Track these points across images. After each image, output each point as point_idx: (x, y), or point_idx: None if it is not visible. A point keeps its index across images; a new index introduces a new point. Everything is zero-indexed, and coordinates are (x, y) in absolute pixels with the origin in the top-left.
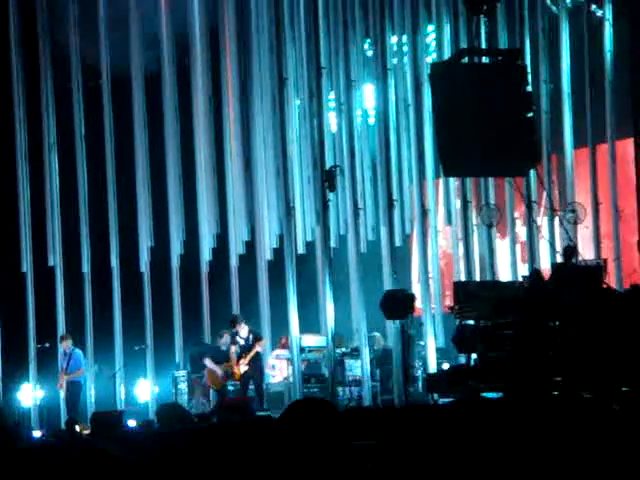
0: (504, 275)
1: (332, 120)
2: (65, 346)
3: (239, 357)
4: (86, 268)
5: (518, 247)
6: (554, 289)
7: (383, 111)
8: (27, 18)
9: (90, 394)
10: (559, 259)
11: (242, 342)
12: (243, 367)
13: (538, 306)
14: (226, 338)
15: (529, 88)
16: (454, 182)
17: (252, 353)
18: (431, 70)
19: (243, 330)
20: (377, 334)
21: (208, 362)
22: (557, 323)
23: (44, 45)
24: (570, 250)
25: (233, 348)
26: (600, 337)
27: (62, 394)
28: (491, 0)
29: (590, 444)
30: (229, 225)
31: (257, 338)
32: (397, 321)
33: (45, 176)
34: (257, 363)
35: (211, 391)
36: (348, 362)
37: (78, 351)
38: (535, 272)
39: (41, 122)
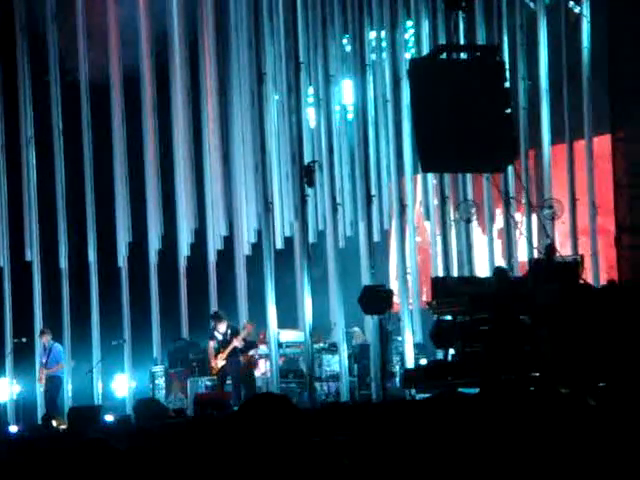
0: (482, 271)
1: (311, 115)
2: (45, 340)
3: (217, 352)
4: (63, 263)
5: (497, 242)
6: (528, 286)
7: (362, 107)
8: (4, 11)
9: (67, 389)
10: (537, 254)
11: (220, 337)
12: (220, 362)
13: (505, 303)
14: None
15: (507, 84)
16: (432, 178)
17: (230, 348)
18: (410, 66)
19: (222, 325)
20: (357, 329)
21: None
22: (533, 318)
23: (21, 38)
24: (550, 248)
25: (212, 343)
26: (577, 332)
27: (41, 388)
28: None
29: (567, 439)
30: (207, 220)
31: (235, 333)
32: (375, 316)
33: (22, 170)
34: (234, 358)
35: (188, 386)
36: (326, 357)
37: (58, 345)
38: (498, 270)
39: (18, 116)
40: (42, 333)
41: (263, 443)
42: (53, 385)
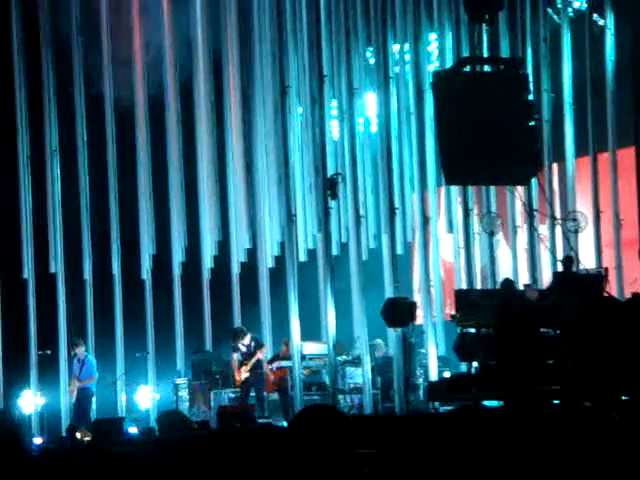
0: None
1: (334, 128)
2: (79, 352)
3: (241, 364)
4: (87, 275)
5: (521, 255)
6: (553, 298)
7: (385, 119)
8: (29, 25)
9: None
10: (560, 267)
11: (244, 349)
12: (244, 374)
13: (509, 315)
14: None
15: (531, 97)
16: (456, 190)
17: (253, 360)
18: (433, 78)
19: (245, 338)
20: (379, 341)
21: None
22: (557, 332)
23: (46, 51)
24: (569, 260)
25: (235, 355)
26: (600, 346)
27: (72, 400)
28: (493, 8)
29: (590, 453)
30: (231, 232)
31: (258, 345)
32: (398, 329)
33: (47, 183)
34: (258, 370)
35: (211, 398)
36: (349, 370)
37: (91, 358)
38: (505, 282)
39: (43, 128)
40: (75, 345)
41: (318, 455)
42: (84, 397)
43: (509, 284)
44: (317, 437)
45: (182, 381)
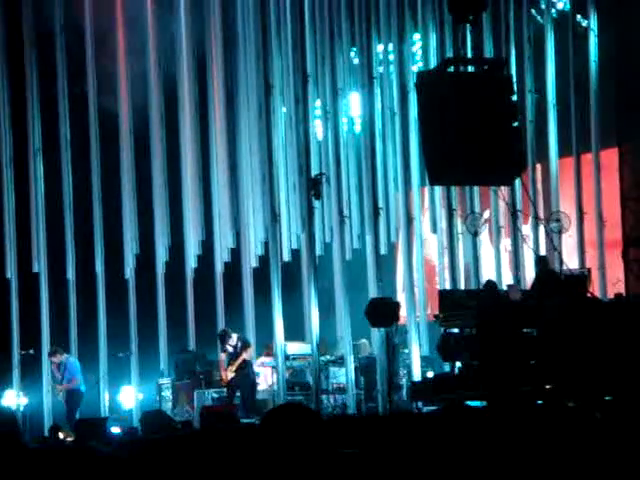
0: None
1: (318, 128)
2: (57, 360)
3: (228, 364)
4: (71, 274)
5: (504, 255)
6: (534, 299)
7: (369, 119)
8: (12, 23)
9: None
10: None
11: (231, 349)
12: (230, 374)
13: (491, 315)
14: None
15: (514, 97)
16: (439, 191)
17: (239, 361)
18: (417, 79)
19: (232, 338)
20: (364, 341)
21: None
22: (540, 332)
23: (29, 50)
24: (543, 261)
25: (222, 355)
26: (584, 346)
27: (62, 399)
28: (477, 9)
29: (573, 452)
30: (214, 232)
31: (244, 345)
32: (382, 329)
33: (30, 182)
34: (244, 371)
35: (195, 398)
36: (332, 370)
37: (73, 361)
38: (488, 283)
39: (26, 127)
40: (53, 353)
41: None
42: (72, 399)
43: (492, 285)
44: (288, 435)
45: (165, 381)
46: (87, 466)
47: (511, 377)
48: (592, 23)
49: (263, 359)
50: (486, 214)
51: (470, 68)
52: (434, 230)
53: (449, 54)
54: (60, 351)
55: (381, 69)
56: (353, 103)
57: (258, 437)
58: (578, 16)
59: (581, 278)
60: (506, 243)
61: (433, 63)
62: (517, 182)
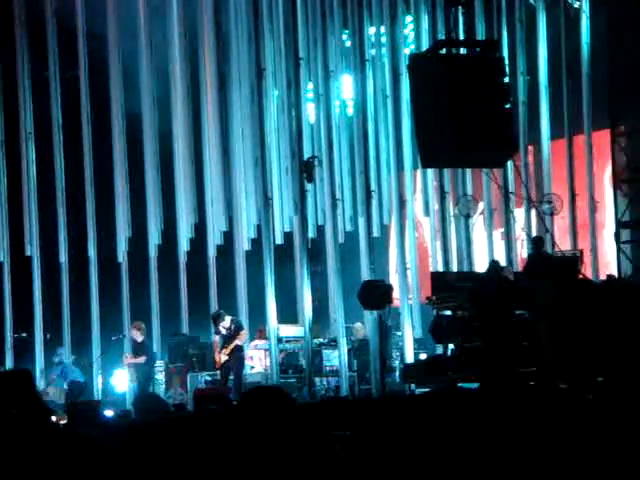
0: (482, 266)
1: (310, 111)
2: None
3: (222, 347)
4: (63, 258)
5: (497, 237)
6: (526, 281)
7: (361, 102)
8: (3, 7)
9: (65, 382)
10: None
11: (225, 332)
12: (224, 357)
13: (492, 297)
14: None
15: (507, 79)
16: (432, 173)
17: (232, 345)
18: (409, 61)
19: (226, 321)
20: (358, 324)
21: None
22: (532, 314)
23: (21, 34)
24: (538, 241)
25: (217, 338)
26: (576, 328)
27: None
28: None
29: (565, 433)
30: (207, 215)
31: (238, 329)
32: (374, 311)
33: (22, 165)
34: (237, 354)
35: (188, 381)
36: (325, 352)
37: (75, 369)
38: (493, 263)
39: (18, 111)
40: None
41: (262, 436)
42: (75, 388)
43: (496, 265)
44: (262, 418)
45: (158, 364)
46: (78, 452)
47: (507, 358)
48: (584, 4)
49: (256, 342)
50: (480, 206)
51: (462, 50)
52: (426, 213)
53: (441, 36)
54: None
55: (373, 51)
56: (345, 86)
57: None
58: None
59: (573, 260)
60: (500, 228)
61: (425, 45)
62: (509, 164)
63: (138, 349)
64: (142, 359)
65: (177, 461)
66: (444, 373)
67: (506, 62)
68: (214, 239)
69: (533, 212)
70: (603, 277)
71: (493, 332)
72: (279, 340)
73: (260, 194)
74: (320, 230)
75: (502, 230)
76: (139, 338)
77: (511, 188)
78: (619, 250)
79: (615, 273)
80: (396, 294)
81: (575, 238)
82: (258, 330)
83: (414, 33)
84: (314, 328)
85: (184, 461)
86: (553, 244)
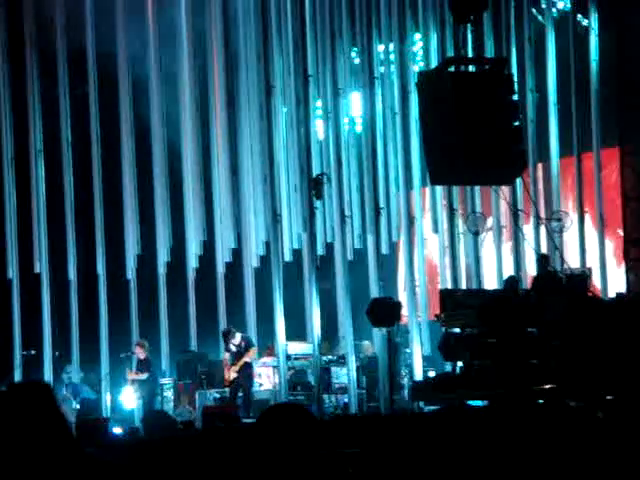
0: (491, 283)
1: (319, 128)
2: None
3: (231, 364)
4: (72, 275)
5: (506, 255)
6: (535, 299)
7: (370, 119)
8: (14, 24)
9: (75, 401)
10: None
11: (234, 349)
12: (233, 374)
13: (512, 314)
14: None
15: (515, 97)
16: (441, 190)
17: (241, 362)
18: (418, 78)
19: (236, 338)
20: (366, 342)
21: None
22: (541, 332)
23: (31, 52)
24: (545, 259)
25: (227, 355)
26: (585, 346)
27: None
28: (478, 9)
29: (576, 452)
30: (216, 232)
31: (248, 347)
32: (383, 329)
33: (31, 182)
34: (246, 371)
35: (196, 398)
36: (334, 370)
37: (87, 389)
38: (511, 279)
39: (27, 128)
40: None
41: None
42: (87, 406)
43: (513, 281)
44: (283, 436)
45: (167, 381)
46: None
47: (520, 376)
48: (593, 22)
49: (265, 359)
50: (489, 222)
51: (471, 68)
52: (435, 230)
53: (450, 54)
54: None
55: (382, 69)
56: (354, 103)
57: (253, 436)
58: (579, 15)
59: (582, 277)
60: (509, 245)
61: (434, 63)
62: (518, 182)
63: (142, 366)
64: (144, 375)
65: (185, 478)
66: (453, 391)
67: (515, 79)
68: (223, 256)
69: (542, 229)
70: (612, 295)
71: (504, 349)
72: (288, 357)
73: (269, 211)
74: (329, 247)
75: (511, 244)
76: (141, 355)
77: (520, 205)
78: (628, 267)
79: (624, 291)
80: (405, 311)
81: (584, 256)
82: (267, 347)
83: (423, 51)
84: (323, 345)
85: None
86: (562, 261)
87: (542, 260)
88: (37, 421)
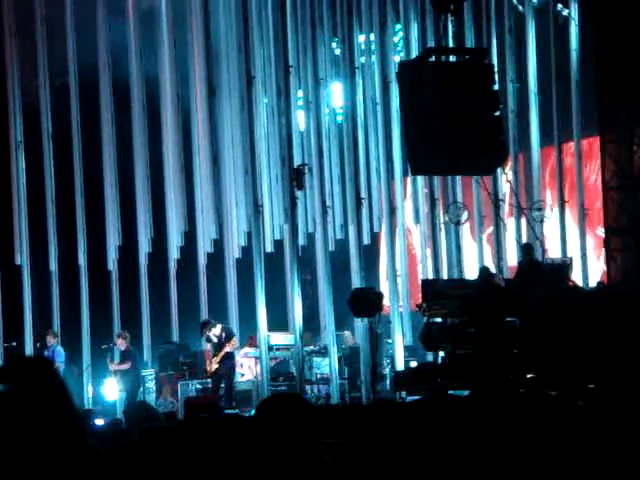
0: (472, 273)
1: (300, 118)
2: (49, 341)
3: (213, 355)
4: (53, 267)
5: (487, 245)
6: (519, 287)
7: (351, 110)
8: None
9: None
10: (519, 256)
11: (215, 340)
12: (214, 365)
13: (487, 304)
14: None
15: (496, 87)
16: (422, 180)
17: (222, 352)
18: (399, 69)
19: (216, 328)
20: (347, 332)
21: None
22: (522, 321)
23: (11, 43)
24: (528, 248)
25: (208, 346)
26: (566, 335)
27: None
28: None
29: (556, 441)
30: (197, 223)
31: (228, 337)
32: (365, 319)
33: (12, 174)
34: (227, 362)
35: (179, 389)
36: (316, 360)
37: (59, 349)
38: (483, 270)
39: (8, 120)
40: (49, 333)
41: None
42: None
43: (486, 272)
44: (282, 426)
45: (149, 372)
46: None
47: (501, 365)
48: (573, 12)
49: (246, 350)
50: (464, 215)
51: (452, 58)
52: (416, 220)
53: (431, 44)
54: (54, 335)
55: (363, 59)
56: (335, 94)
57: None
58: (559, 5)
59: (563, 267)
60: (488, 232)
61: (415, 53)
62: (499, 171)
63: (123, 357)
64: (126, 365)
65: (168, 470)
66: (434, 380)
67: (495, 69)
68: (204, 247)
69: (523, 219)
70: (593, 284)
71: (485, 339)
72: (269, 348)
73: (250, 202)
74: (310, 238)
75: (490, 232)
76: (123, 346)
77: (501, 195)
78: (609, 257)
79: (605, 280)
80: (386, 301)
81: (565, 245)
82: (249, 338)
83: (403, 41)
84: (305, 336)
85: (175, 470)
86: (543, 251)
87: (525, 249)
88: (44, 394)
